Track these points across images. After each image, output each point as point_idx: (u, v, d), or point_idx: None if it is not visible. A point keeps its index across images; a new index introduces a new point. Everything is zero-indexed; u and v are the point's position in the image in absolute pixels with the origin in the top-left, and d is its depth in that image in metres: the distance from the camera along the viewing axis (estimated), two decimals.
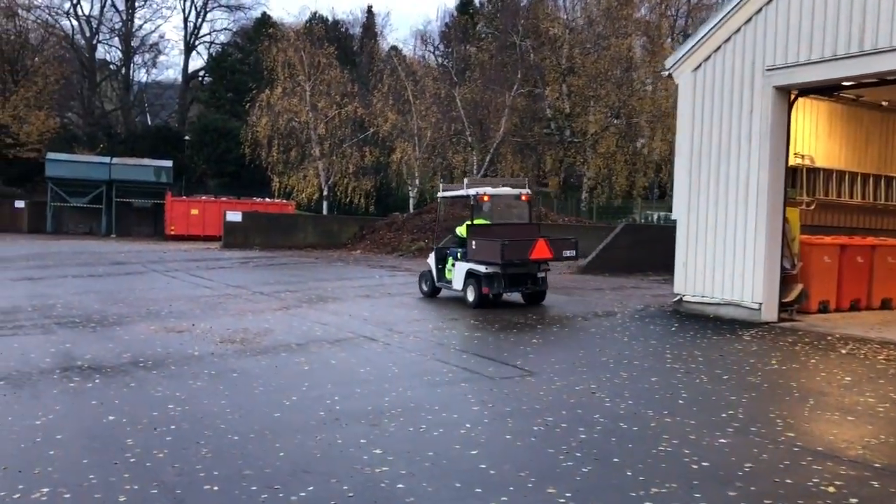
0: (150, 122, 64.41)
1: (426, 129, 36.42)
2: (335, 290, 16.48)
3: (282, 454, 5.74)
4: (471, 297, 13.91)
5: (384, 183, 39.84)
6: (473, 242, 13.83)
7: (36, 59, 52.79)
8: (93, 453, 5.78)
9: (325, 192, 35.93)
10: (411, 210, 36.82)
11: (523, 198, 14.79)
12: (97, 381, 8.14)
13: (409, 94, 36.58)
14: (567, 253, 14.21)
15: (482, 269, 13.64)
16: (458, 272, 14.26)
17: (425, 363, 9.21)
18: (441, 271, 14.90)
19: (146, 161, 45.66)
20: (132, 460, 5.62)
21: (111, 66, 65.42)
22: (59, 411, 6.94)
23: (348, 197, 36.66)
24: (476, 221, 14.27)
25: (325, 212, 36.22)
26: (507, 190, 14.91)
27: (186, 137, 52.82)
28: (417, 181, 37.50)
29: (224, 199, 44.92)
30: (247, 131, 36.31)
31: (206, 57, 66.01)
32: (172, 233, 42.31)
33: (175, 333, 11.09)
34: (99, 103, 59.84)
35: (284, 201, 42.22)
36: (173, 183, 46.46)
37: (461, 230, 14.56)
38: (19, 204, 43.97)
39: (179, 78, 66.18)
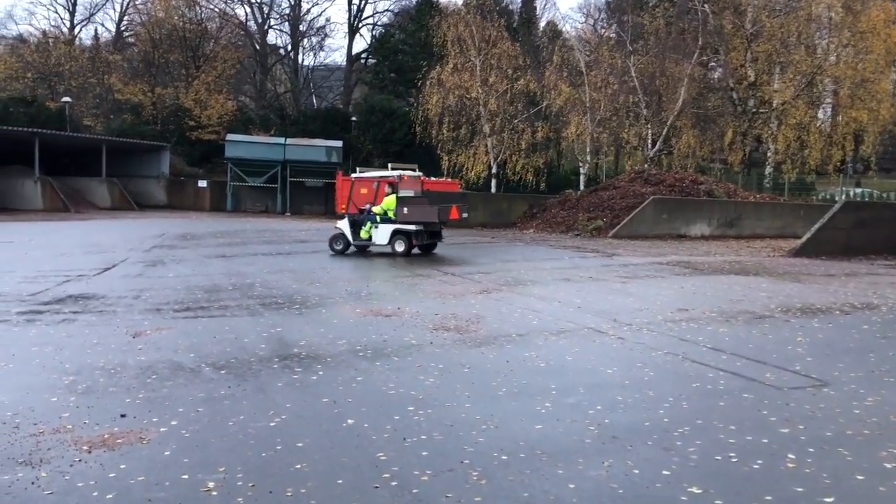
0: (315, 104, 66.21)
1: (599, 102, 34.52)
2: (529, 273, 15.34)
3: (572, 486, 4.61)
4: (400, 248, 18.63)
5: (554, 159, 38.38)
6: (406, 208, 18.54)
7: (214, 45, 55.33)
8: (345, 470, 4.90)
9: (493, 170, 34.92)
10: (582, 187, 35.13)
11: (421, 179, 21.23)
12: (320, 372, 7.41)
13: (582, 65, 34.79)
14: (464, 214, 19.67)
15: (412, 227, 18.57)
16: (382, 232, 18.76)
17: (680, 365, 7.83)
18: (356, 233, 19.13)
19: (318, 141, 46.55)
20: (393, 483, 4.68)
21: (281, 51, 67.76)
22: (292, 410, 6.19)
23: (517, 174, 35.45)
24: (393, 198, 18.87)
25: (493, 190, 35.27)
26: (410, 172, 19.65)
27: (353, 118, 53.59)
28: (588, 157, 35.70)
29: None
30: (417, 109, 35.90)
31: (369, 39, 66.93)
32: (343, 211, 42.94)
33: (383, 318, 10.34)
34: (272, 86, 62.03)
35: (449, 180, 41.74)
36: (342, 163, 47.19)
37: (388, 202, 18.80)
38: (202, 183, 46.14)
39: (344, 60, 67.55)
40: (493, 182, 35.45)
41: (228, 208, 45.76)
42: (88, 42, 60.16)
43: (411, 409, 6.21)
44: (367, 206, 19.58)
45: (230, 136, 45.36)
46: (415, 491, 4.56)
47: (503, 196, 34.02)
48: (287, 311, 10.94)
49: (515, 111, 34.52)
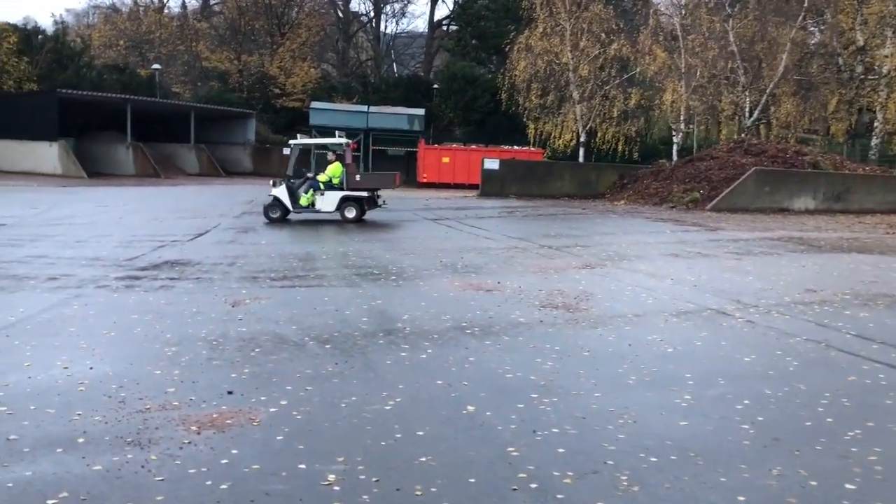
0: (395, 72, 65.83)
1: (695, 68, 32.82)
2: (631, 247, 14.53)
3: (742, 498, 3.99)
4: (351, 214, 18.57)
5: (645, 128, 36.86)
6: (358, 176, 19.34)
7: (298, 12, 55.42)
8: (475, 467, 4.40)
9: (581, 138, 33.75)
10: (674, 157, 33.63)
11: (352, 146, 20.17)
12: (429, 350, 6.93)
13: (678, 29, 33.08)
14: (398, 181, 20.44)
15: (364, 194, 18.75)
16: (328, 199, 18.52)
17: (826, 354, 7.03)
18: (294, 200, 18.54)
19: (401, 109, 46.21)
20: (533, 486, 4.15)
21: (363, 18, 67.49)
22: (405, 393, 5.73)
23: (608, 143, 34.16)
24: (338, 165, 18.82)
25: (580, 159, 34.13)
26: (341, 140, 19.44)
27: (435, 86, 52.98)
28: (683, 125, 34.08)
29: (473, 147, 44.42)
30: (503, 76, 34.95)
31: (451, 5, 65.85)
32: (424, 180, 42.59)
33: (484, 292, 9.81)
34: (355, 54, 61.94)
35: (533, 149, 40.77)
36: (424, 131, 46.75)
37: (334, 170, 18.70)
38: (286, 151, 46.32)
39: (426, 27, 66.79)
40: (581, 151, 34.28)
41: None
42: (177, 10, 61.25)
43: (534, 396, 5.66)
44: (310, 174, 19.44)
45: (314, 104, 45.45)
46: (559, 496, 4.02)
47: (592, 166, 32.88)
48: (384, 282, 10.54)
49: (607, 77, 33.15)
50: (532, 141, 36.10)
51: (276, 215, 18.49)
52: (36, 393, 5.55)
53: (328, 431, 4.94)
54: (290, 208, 18.56)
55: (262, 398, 5.57)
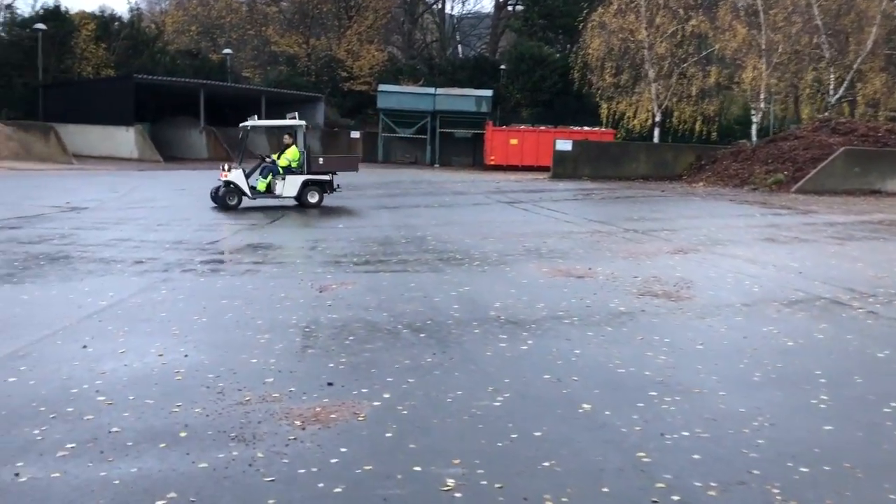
0: (461, 54, 65.20)
1: (777, 44, 31.35)
2: (722, 231, 13.86)
3: None
4: (314, 199, 17.73)
5: (725, 107, 35.51)
6: (321, 159, 18.54)
7: None
8: (606, 474, 4.02)
9: (657, 118, 32.68)
10: (754, 137, 32.29)
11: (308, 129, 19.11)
12: (529, 342, 6.57)
13: (759, 3, 31.61)
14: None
15: (326, 178, 17.88)
16: (290, 184, 17.49)
17: None
18: (253, 188, 17.34)
19: (468, 91, 45.72)
20: (674, 498, 3.75)
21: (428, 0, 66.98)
22: (512, 387, 5.37)
23: (684, 123, 32.99)
24: (295, 149, 17.64)
25: (655, 139, 33.09)
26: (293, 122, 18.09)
27: (502, 67, 52.24)
28: (763, 104, 32.66)
29: (542, 128, 43.68)
30: (576, 55, 34.08)
31: None
32: (492, 162, 42.10)
33: (575, 279, 9.38)
34: (421, 36, 61.59)
35: (604, 129, 39.79)
36: (491, 112, 46.17)
37: (293, 153, 17.54)
38: (355, 134, 46.55)
39: (492, 7, 65.86)
40: (657, 131, 33.23)
41: (379, 159, 45.97)
42: None
43: (653, 394, 5.24)
44: (269, 158, 18.04)
45: (382, 87, 45.33)
46: None
47: (668, 146, 31.87)
48: (469, 267, 10.21)
49: (685, 55, 31.95)
50: (605, 121, 35.16)
51: (234, 202, 17.10)
52: (133, 382, 5.41)
53: (438, 429, 4.63)
54: (249, 194, 17.27)
55: (364, 390, 5.30)
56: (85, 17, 41.73)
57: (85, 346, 6.22)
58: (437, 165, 45.49)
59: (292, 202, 17.74)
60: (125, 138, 36.27)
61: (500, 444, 4.40)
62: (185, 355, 6.06)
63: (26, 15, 41.46)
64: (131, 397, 5.08)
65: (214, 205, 17.27)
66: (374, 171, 36.27)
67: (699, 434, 4.54)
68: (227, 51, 47.14)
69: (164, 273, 9.52)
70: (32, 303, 7.87)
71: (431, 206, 18.72)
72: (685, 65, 32.25)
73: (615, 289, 8.76)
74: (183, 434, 4.49)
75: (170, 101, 40.94)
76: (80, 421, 4.65)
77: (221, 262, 10.44)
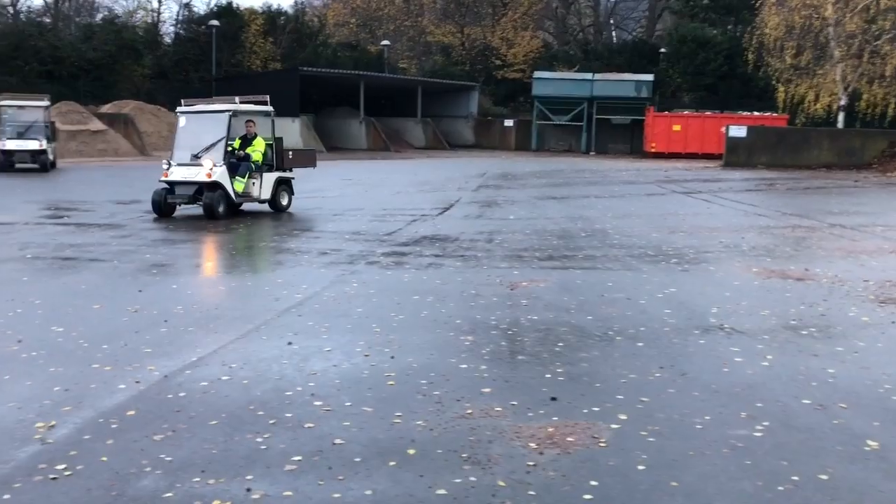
0: (614, 38, 63.10)
1: None
2: None
3: None
4: (285, 202, 14.68)
5: None
6: (291, 153, 15.23)
7: None
8: None
9: (842, 102, 29.91)
10: None
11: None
12: (768, 356, 5.74)
13: None
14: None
15: (293, 175, 14.92)
16: (266, 184, 14.17)
17: None
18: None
19: (627, 76, 44.13)
20: None
21: None
22: (767, 413, 4.61)
23: (876, 106, 30.02)
24: (261, 140, 14.22)
25: (839, 125, 30.33)
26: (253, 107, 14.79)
27: (661, 50, 50.02)
28: None
29: (707, 113, 41.41)
30: (750, 35, 31.82)
31: None
32: (652, 150, 40.41)
33: (794, 281, 8.38)
34: (576, 20, 60.15)
35: (775, 114, 37.03)
36: (651, 98, 44.30)
37: (262, 145, 14.17)
38: (508, 122, 46.16)
39: None
40: (841, 116, 30.44)
41: (533, 147, 45.31)
42: None
43: None
44: (242, 152, 13.94)
45: (538, 74, 44.61)
46: None
47: (855, 132, 29.18)
48: (666, 265, 9.41)
49: (879, 31, 29.00)
50: (782, 106, 32.66)
51: (222, 209, 13.39)
52: (346, 385, 5.11)
53: (697, 464, 3.98)
54: (234, 199, 13.72)
55: (595, 409, 4.72)
56: (253, 13, 43.71)
57: (290, 343, 6.03)
58: (592, 153, 44.25)
59: (254, 206, 14.74)
60: (291, 129, 37.57)
61: (780, 489, 3.69)
62: (392, 357, 5.73)
63: (201, 13, 43.99)
64: (348, 403, 4.77)
65: (156, 215, 13.57)
66: (529, 159, 35.75)
67: None
68: (384, 42, 47.99)
69: (349, 265, 9.38)
70: (230, 294, 7.89)
71: (602, 197, 17.89)
72: (878, 42, 29.26)
73: (847, 295, 7.71)
74: (411, 451, 4.10)
75: (331, 92, 42.20)
76: (302, 429, 4.37)
77: (403, 254, 10.20)
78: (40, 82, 33.76)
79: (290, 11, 48.34)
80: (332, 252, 10.26)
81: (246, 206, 14.53)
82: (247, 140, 14.08)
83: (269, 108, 15.00)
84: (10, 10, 44.64)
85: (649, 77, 43.82)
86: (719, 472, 3.88)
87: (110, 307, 7.19)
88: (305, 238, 11.50)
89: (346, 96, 42.04)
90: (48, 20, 44.04)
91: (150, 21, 47.15)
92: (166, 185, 13.64)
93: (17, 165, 23.14)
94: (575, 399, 4.91)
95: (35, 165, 23.17)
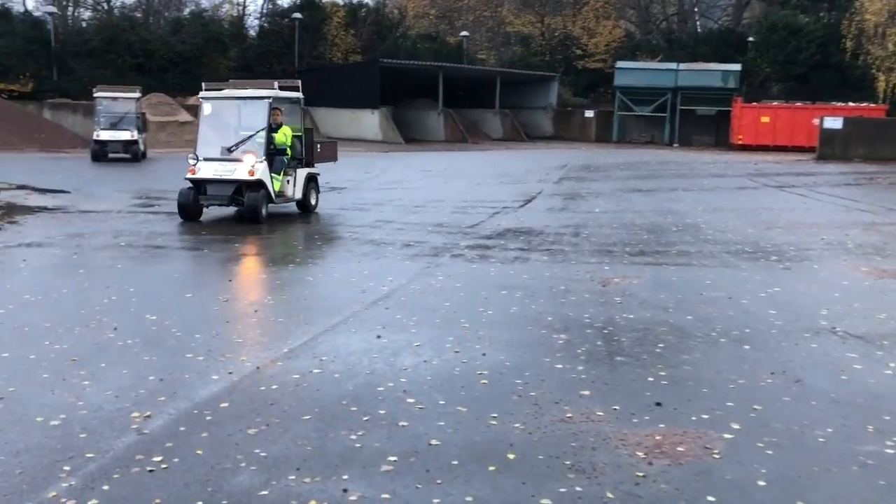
0: (698, 27, 61.12)
1: None
2: None
3: None
4: (314, 201, 13.10)
5: None
6: (319, 146, 13.47)
7: None
8: None
9: None
10: None
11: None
12: (892, 365, 5.32)
13: None
14: None
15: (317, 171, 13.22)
16: (298, 181, 12.49)
17: None
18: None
19: (713, 65, 42.65)
20: None
21: None
22: None
23: None
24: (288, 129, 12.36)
25: None
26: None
27: (750, 39, 48.15)
28: None
29: (798, 104, 39.66)
30: (848, 21, 30.27)
31: None
32: (739, 142, 38.97)
33: None
34: (661, 8, 58.57)
35: (872, 105, 35.13)
36: (739, 88, 42.72)
37: (286, 137, 12.21)
38: (588, 113, 45.32)
39: None
40: None
41: (613, 139, 44.36)
42: None
43: None
44: (273, 144, 12.06)
45: (620, 64, 43.61)
46: None
47: None
48: (766, 263, 8.93)
49: None
50: (882, 96, 30.96)
51: (265, 212, 11.75)
52: (438, 383, 4.95)
53: (825, 482, 3.66)
54: (274, 198, 12.05)
55: (703, 416, 4.43)
56: (335, 5, 44.14)
57: (379, 337, 5.92)
58: (675, 145, 43.01)
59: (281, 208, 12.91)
60: (370, 121, 37.90)
61: None
62: (483, 353, 5.54)
63: (285, 5, 44.70)
64: (441, 402, 4.61)
65: (182, 219, 11.81)
66: (610, 150, 34.99)
67: None
68: (464, 33, 47.75)
69: (433, 258, 9.25)
70: (317, 284, 7.85)
71: (691, 190, 17.26)
72: None
73: None
74: (511, 456, 3.90)
75: (410, 83, 42.21)
76: (396, 427, 4.24)
77: (487, 247, 10.00)
78: (132, 75, 34.94)
79: (371, 3, 48.69)
80: (416, 244, 10.15)
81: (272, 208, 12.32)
82: (271, 128, 12.04)
83: (299, 94, 13.36)
84: (105, 5, 46.39)
85: (737, 67, 42.26)
86: (850, 493, 3.56)
87: (201, 296, 7.25)
88: (389, 229, 11.43)
89: (424, 88, 42.00)
90: (139, 15, 45.56)
91: (235, 14, 48.22)
92: (192, 184, 11.81)
93: (111, 155, 23.94)
94: (681, 405, 4.62)
95: (127, 155, 23.93)
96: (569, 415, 4.45)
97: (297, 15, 39.92)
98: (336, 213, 13.03)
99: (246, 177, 11.52)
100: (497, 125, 44.56)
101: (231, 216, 12.39)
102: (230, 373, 5.06)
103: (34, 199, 14.15)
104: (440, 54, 45.63)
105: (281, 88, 12.38)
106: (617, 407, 4.58)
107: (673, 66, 42.86)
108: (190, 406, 4.48)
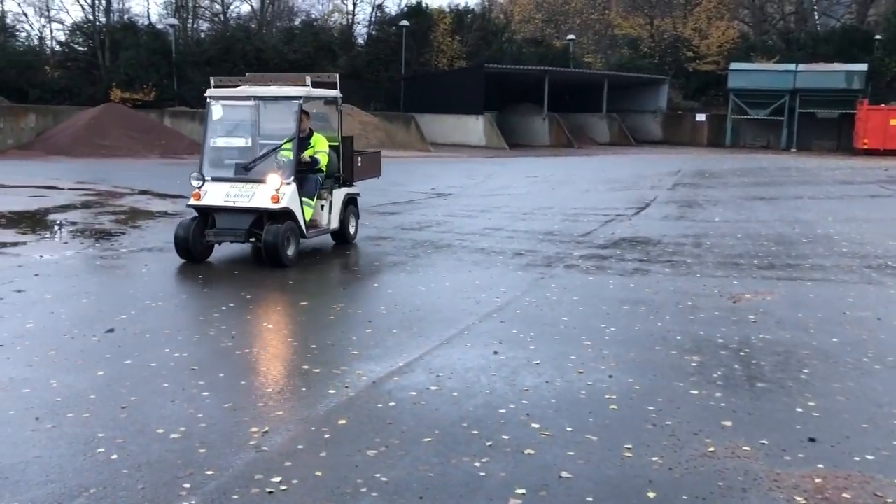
0: (818, 26, 57.94)
1: None
2: None
3: None
4: (353, 228, 10.35)
5: None
6: (360, 159, 10.46)
7: None
8: None
9: None
10: None
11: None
12: None
13: None
14: None
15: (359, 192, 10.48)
16: (335, 204, 9.69)
17: None
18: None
19: (836, 66, 40.29)
20: None
21: None
22: None
23: None
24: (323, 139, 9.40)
25: None
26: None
27: (877, 37, 45.26)
28: None
29: None
30: None
31: None
32: (864, 146, 36.63)
33: None
34: (777, 7, 55.98)
35: None
36: (865, 89, 40.18)
37: (321, 145, 9.28)
38: (700, 117, 43.73)
39: None
40: None
41: (727, 143, 42.60)
42: None
43: None
44: (306, 157, 9.09)
45: (734, 66, 41.87)
46: None
47: None
48: None
49: None
50: None
51: (293, 253, 8.71)
52: (563, 406, 4.64)
53: None
54: (305, 232, 9.00)
55: (868, 457, 3.95)
56: (442, 12, 44.34)
57: (496, 353, 5.66)
58: (793, 149, 40.88)
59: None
60: (475, 126, 37.80)
61: None
62: (610, 375, 5.19)
63: (393, 14, 45.27)
64: (569, 429, 4.29)
65: (182, 259, 8.79)
66: (724, 156, 33.55)
67: None
68: (570, 37, 47.04)
69: (547, 268, 8.91)
70: (429, 294, 7.67)
71: (817, 198, 16.19)
72: None
73: None
74: (651, 494, 3.56)
75: (514, 88, 41.86)
76: (521, 456, 3.96)
77: (603, 258, 9.58)
78: None
79: (477, 9, 48.67)
80: (528, 253, 9.84)
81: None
82: (302, 136, 9.11)
83: (336, 92, 9.85)
84: (221, 17, 48.30)
85: (862, 67, 39.79)
86: None
87: (315, 304, 7.19)
88: (498, 237, 11.17)
89: (529, 92, 41.53)
90: (253, 25, 47.16)
91: (344, 23, 49.24)
92: (197, 213, 8.84)
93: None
94: (840, 441, 4.14)
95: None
96: (711, 449, 4.05)
97: (405, 22, 40.30)
98: (444, 220, 12.88)
99: (269, 204, 8.48)
100: (604, 129, 43.62)
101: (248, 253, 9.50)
102: (346, 387, 4.91)
103: (155, 204, 14.68)
104: (546, 58, 45.07)
105: (314, 85, 9.38)
106: (765, 441, 4.14)
107: (791, 67, 40.79)
108: (307, 423, 4.34)
